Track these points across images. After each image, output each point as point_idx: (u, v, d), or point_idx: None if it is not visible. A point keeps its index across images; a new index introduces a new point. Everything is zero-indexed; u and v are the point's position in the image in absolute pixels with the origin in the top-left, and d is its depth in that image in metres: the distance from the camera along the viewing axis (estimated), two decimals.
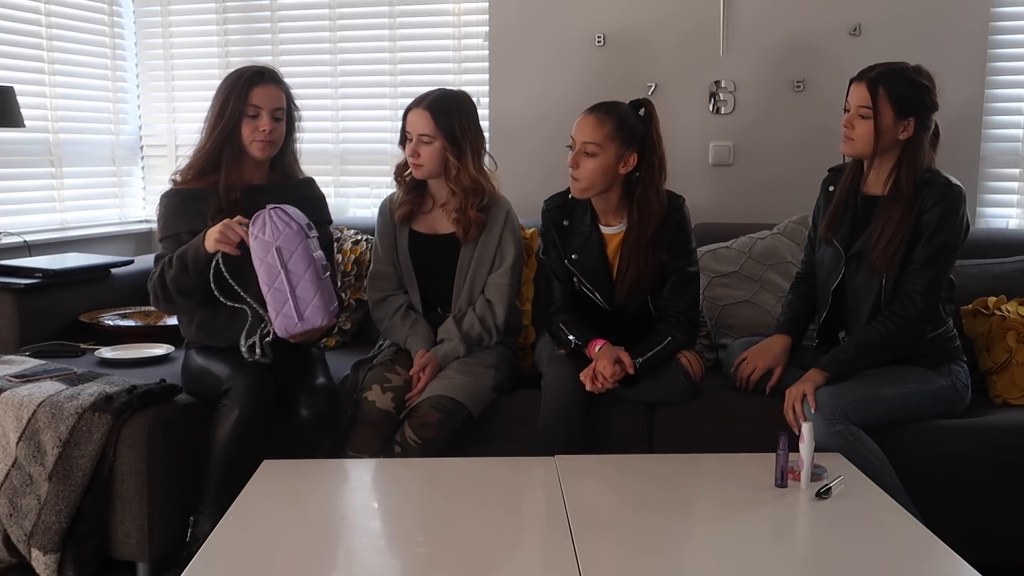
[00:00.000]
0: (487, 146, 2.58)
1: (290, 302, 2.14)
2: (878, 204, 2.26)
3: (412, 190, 2.54)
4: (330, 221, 2.55)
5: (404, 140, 2.48)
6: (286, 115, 2.36)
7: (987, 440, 2.23)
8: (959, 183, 2.22)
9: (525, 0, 3.26)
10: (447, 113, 2.41)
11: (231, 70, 2.36)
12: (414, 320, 2.52)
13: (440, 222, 2.54)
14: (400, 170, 2.56)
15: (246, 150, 2.31)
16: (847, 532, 1.64)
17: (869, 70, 2.24)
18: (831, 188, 2.39)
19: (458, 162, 2.42)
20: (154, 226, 2.79)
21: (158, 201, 2.37)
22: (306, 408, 2.21)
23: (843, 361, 2.23)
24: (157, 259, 2.32)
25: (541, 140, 3.23)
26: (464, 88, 3.35)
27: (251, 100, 2.28)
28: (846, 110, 2.27)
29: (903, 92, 2.19)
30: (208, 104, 2.35)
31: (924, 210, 2.20)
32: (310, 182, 2.52)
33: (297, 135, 2.45)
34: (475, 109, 2.50)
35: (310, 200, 2.48)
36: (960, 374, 2.30)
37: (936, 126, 2.26)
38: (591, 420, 2.31)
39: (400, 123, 2.49)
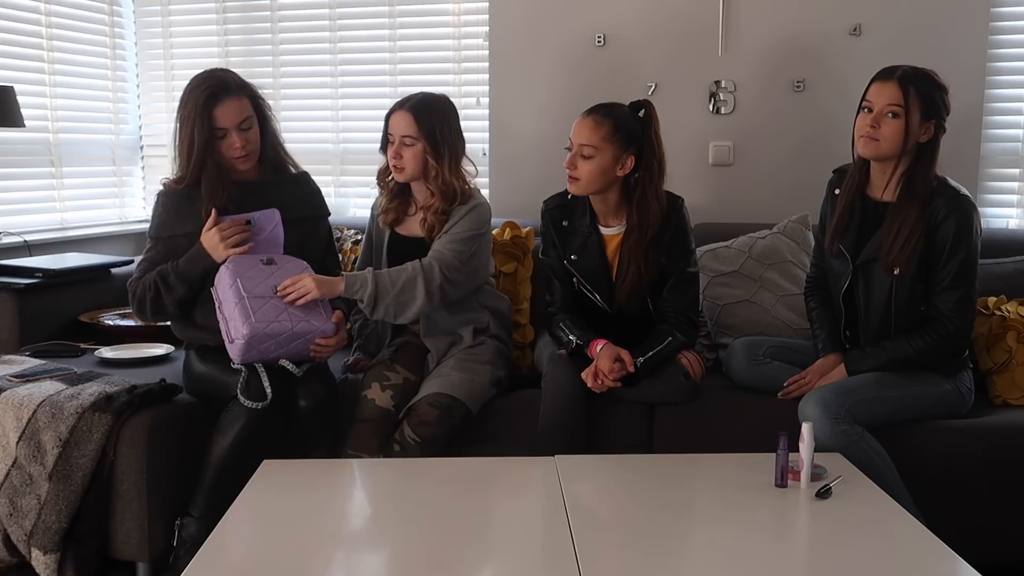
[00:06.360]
0: (466, 149, 2.50)
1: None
2: (889, 209, 2.23)
3: (396, 196, 2.52)
4: (328, 214, 2.55)
5: (386, 143, 2.46)
6: (256, 115, 2.32)
7: (987, 440, 2.23)
8: (967, 192, 2.20)
9: (525, 0, 3.25)
10: (429, 116, 2.39)
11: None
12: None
13: (418, 225, 2.50)
14: (382, 175, 2.55)
15: (230, 165, 2.31)
16: (847, 532, 1.64)
17: (894, 70, 2.18)
18: (836, 191, 2.36)
19: (437, 164, 2.39)
20: None
21: (155, 199, 2.36)
22: (304, 399, 2.20)
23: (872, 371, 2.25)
24: (144, 263, 2.31)
25: (541, 140, 3.23)
26: (464, 88, 3.40)
27: (216, 123, 2.24)
28: (868, 110, 2.20)
29: (930, 93, 2.16)
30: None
31: (936, 222, 2.17)
32: (306, 177, 2.51)
33: (276, 127, 2.42)
34: (456, 114, 2.47)
35: (307, 196, 2.48)
36: (965, 379, 2.30)
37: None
38: (591, 420, 2.31)
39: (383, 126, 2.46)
